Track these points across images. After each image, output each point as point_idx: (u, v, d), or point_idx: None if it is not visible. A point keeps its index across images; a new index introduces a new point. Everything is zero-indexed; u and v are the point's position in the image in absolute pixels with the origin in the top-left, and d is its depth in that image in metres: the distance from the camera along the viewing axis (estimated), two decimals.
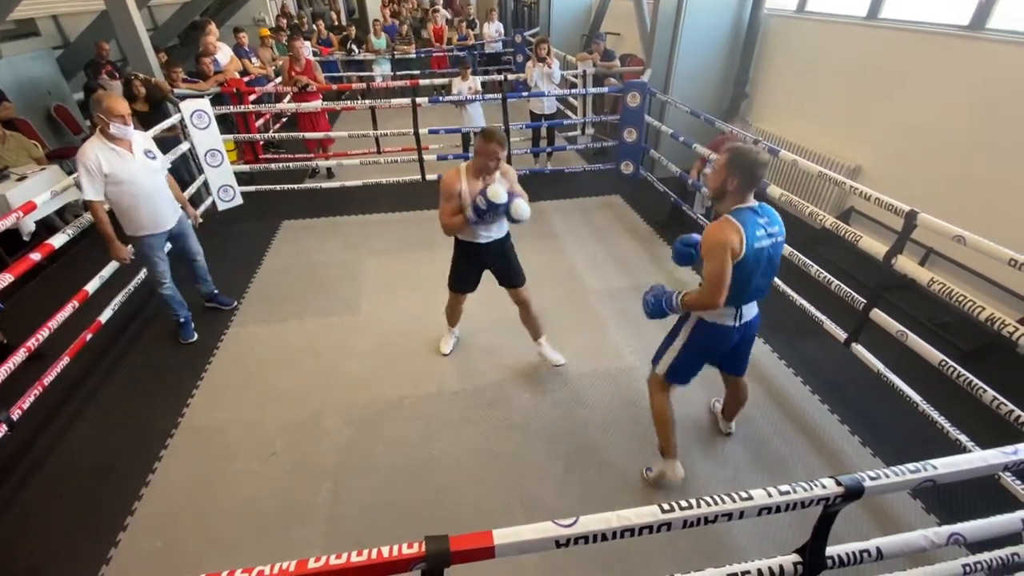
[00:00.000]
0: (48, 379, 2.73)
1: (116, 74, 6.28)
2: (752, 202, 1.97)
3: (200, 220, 3.79)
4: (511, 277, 2.97)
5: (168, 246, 3.39)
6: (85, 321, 3.10)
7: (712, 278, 1.93)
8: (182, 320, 3.48)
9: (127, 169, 2.90)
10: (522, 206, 2.57)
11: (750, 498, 1.14)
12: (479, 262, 2.94)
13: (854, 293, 2.88)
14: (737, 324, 2.16)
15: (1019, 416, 2.06)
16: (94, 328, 3.14)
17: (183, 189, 4.59)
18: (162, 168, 3.19)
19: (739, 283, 1.98)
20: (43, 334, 2.75)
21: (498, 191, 2.47)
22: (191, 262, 3.59)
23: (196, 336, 3.52)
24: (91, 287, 3.17)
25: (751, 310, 2.18)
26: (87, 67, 6.59)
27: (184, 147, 4.61)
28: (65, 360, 2.87)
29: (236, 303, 3.90)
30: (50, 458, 2.67)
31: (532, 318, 3.08)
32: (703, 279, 2.01)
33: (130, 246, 3.20)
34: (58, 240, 2.93)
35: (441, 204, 2.68)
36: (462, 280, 3.03)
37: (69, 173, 4.42)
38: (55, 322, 2.83)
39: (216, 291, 3.82)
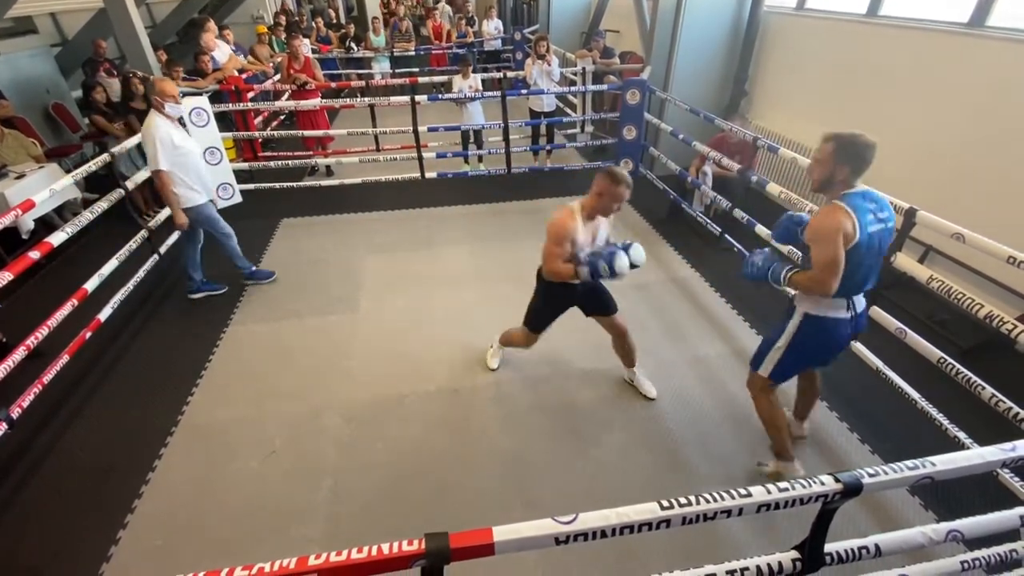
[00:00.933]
0: (48, 377, 2.73)
1: (114, 72, 6.27)
2: (860, 187, 1.89)
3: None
4: (605, 306, 2.72)
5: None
6: (84, 319, 3.10)
7: (826, 263, 1.85)
8: (253, 268, 4.03)
9: (187, 140, 3.45)
10: (641, 252, 2.39)
11: (749, 495, 1.14)
12: (569, 302, 2.71)
13: None
14: (851, 316, 2.03)
15: (1017, 413, 2.06)
16: (93, 326, 3.14)
17: None
18: None
19: (850, 270, 1.89)
20: (42, 332, 2.74)
21: (625, 263, 2.29)
22: (200, 243, 3.87)
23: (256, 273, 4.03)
24: (90, 285, 3.17)
25: (860, 300, 2.06)
26: (85, 65, 6.57)
27: None
28: (64, 358, 2.87)
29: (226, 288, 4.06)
30: (50, 456, 2.67)
31: (629, 345, 2.83)
32: (812, 266, 1.92)
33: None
34: (57, 238, 2.93)
35: (550, 246, 2.43)
36: (545, 321, 2.79)
37: (68, 171, 4.42)
38: (54, 320, 2.83)
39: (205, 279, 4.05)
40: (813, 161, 1.97)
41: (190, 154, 3.43)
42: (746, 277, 2.17)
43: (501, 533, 1.06)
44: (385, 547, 1.02)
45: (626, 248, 2.36)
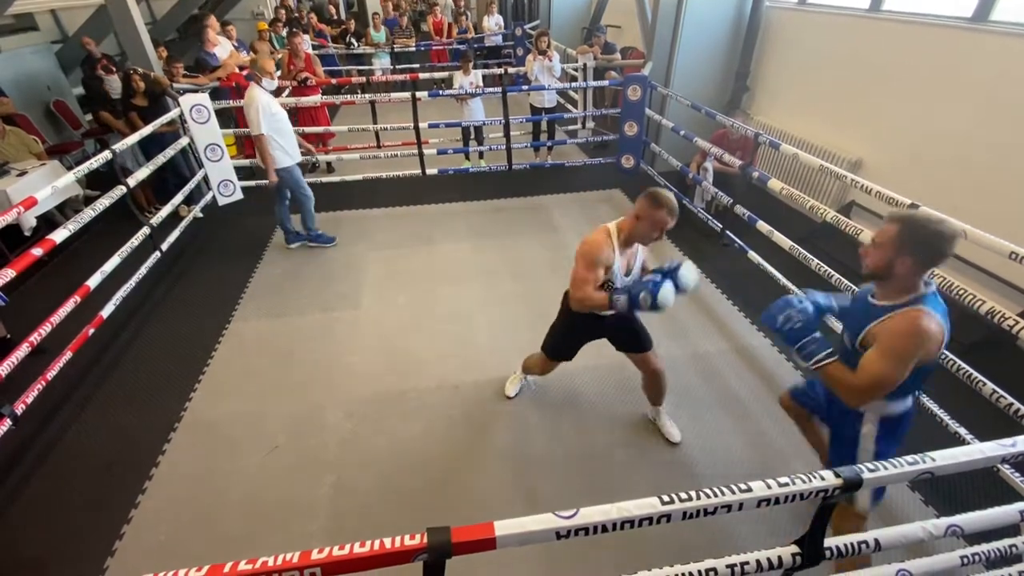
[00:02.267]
0: (51, 374, 2.74)
1: (111, 68, 6.25)
2: (932, 286, 1.54)
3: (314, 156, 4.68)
4: (638, 341, 2.39)
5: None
6: (87, 316, 3.11)
7: (880, 381, 1.50)
8: (319, 232, 4.54)
9: (279, 108, 3.97)
10: (691, 274, 2.06)
11: (749, 490, 1.15)
12: (595, 333, 2.43)
13: (854, 287, 2.88)
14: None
15: (1018, 409, 2.06)
16: (96, 323, 3.15)
17: (183, 184, 4.62)
18: None
19: (922, 377, 1.59)
20: (45, 329, 2.75)
21: (671, 294, 1.99)
22: (288, 199, 4.40)
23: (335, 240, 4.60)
24: (92, 282, 3.18)
25: None
26: (83, 63, 6.55)
27: (184, 142, 4.61)
28: (68, 355, 2.88)
29: (335, 240, 4.64)
30: (53, 453, 2.69)
31: (660, 386, 2.51)
32: (861, 370, 1.54)
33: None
34: (59, 235, 2.93)
35: (580, 271, 2.13)
36: (565, 350, 2.52)
37: (69, 168, 4.43)
38: (57, 317, 2.84)
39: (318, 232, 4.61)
40: (871, 243, 1.59)
41: (283, 119, 3.97)
42: (769, 323, 1.69)
43: (502, 527, 1.06)
44: (387, 541, 1.03)
45: (672, 272, 2.06)
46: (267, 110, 3.82)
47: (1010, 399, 2.10)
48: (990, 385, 2.17)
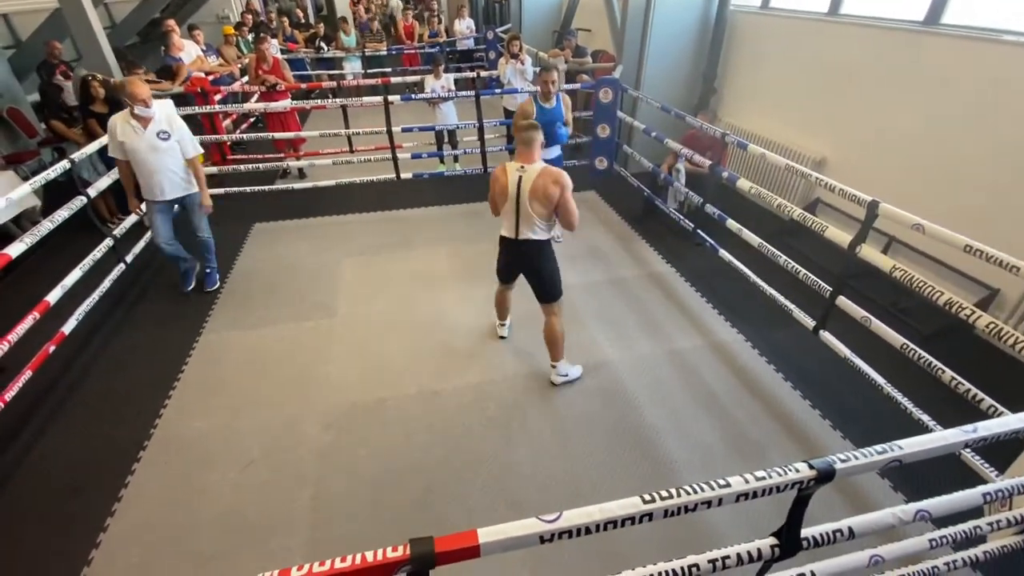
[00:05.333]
0: (9, 395, 2.62)
1: (70, 74, 6.03)
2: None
3: (210, 209, 3.85)
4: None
5: (176, 211, 3.81)
6: (48, 333, 2.98)
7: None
8: (182, 270, 3.94)
9: (133, 144, 3.40)
10: None
11: (728, 485, 1.17)
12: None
13: (820, 282, 2.97)
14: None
15: (976, 395, 2.16)
16: (57, 340, 3.03)
17: None
18: (170, 148, 3.49)
19: None
20: (2, 348, 2.63)
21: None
22: (193, 236, 3.83)
23: (192, 287, 3.97)
24: (52, 297, 3.05)
25: None
26: (40, 68, 6.30)
27: None
28: (28, 374, 2.76)
29: (219, 286, 4.07)
30: (16, 476, 2.57)
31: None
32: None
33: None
34: (15, 249, 2.80)
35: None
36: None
37: (25, 179, 4.25)
38: (14, 335, 2.72)
39: (209, 270, 4.00)
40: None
41: (132, 154, 3.41)
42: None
43: (486, 535, 1.06)
44: (369, 555, 1.01)
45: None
46: (114, 135, 3.37)
47: (968, 385, 2.19)
48: (949, 372, 2.26)
